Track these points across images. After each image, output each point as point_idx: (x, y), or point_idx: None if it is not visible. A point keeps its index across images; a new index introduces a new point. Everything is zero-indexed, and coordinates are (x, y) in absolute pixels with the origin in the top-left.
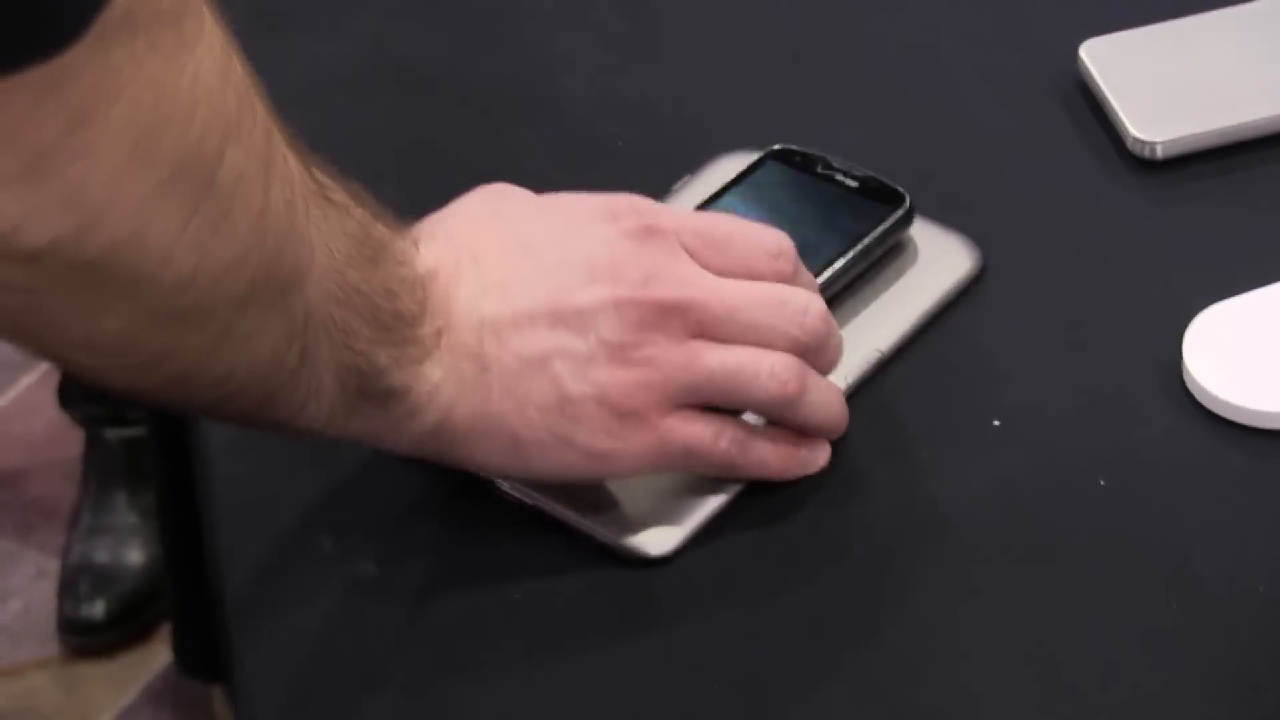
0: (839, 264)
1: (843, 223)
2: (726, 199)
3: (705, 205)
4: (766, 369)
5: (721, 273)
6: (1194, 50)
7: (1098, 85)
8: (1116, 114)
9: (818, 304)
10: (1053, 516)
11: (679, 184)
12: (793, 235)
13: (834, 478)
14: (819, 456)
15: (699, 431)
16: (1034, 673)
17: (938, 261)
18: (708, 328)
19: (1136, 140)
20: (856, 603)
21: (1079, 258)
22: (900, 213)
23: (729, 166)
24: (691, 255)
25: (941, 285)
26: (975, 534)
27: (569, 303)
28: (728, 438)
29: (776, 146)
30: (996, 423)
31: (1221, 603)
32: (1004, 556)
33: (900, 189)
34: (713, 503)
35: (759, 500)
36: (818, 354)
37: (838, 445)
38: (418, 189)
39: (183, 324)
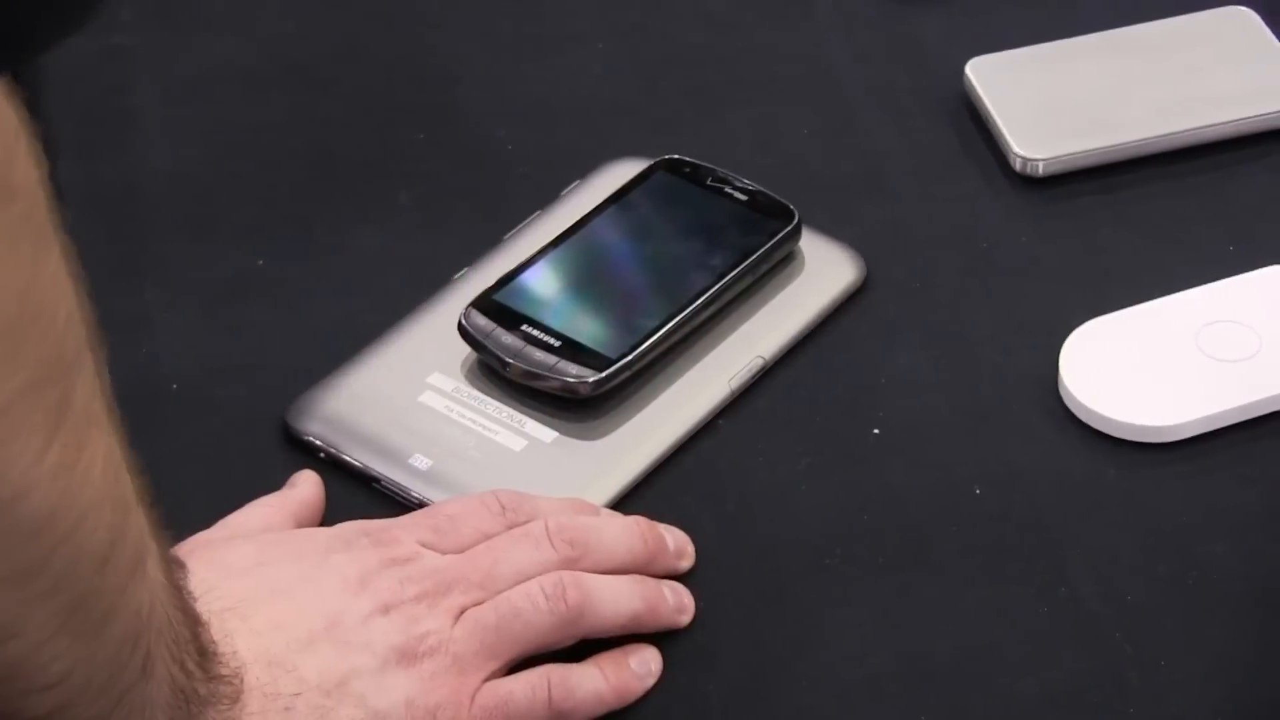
0: (726, 279)
1: (731, 236)
2: (614, 209)
3: (593, 215)
4: (537, 593)
5: (464, 550)
6: (1078, 71)
7: (983, 103)
8: (1000, 131)
9: (559, 519)
10: (929, 525)
11: (567, 190)
12: (681, 247)
13: (713, 482)
14: (650, 662)
15: (511, 691)
16: (906, 682)
17: (823, 272)
18: (474, 597)
19: (1020, 157)
20: (731, 609)
21: (961, 271)
22: (788, 228)
23: (618, 174)
24: (432, 549)
25: (825, 295)
26: (852, 542)
27: (343, 624)
28: (546, 683)
29: (667, 156)
30: (876, 431)
31: (1094, 613)
32: (879, 564)
33: (789, 205)
34: None
35: (635, 507)
36: (586, 557)
37: (717, 451)
38: (311, 190)
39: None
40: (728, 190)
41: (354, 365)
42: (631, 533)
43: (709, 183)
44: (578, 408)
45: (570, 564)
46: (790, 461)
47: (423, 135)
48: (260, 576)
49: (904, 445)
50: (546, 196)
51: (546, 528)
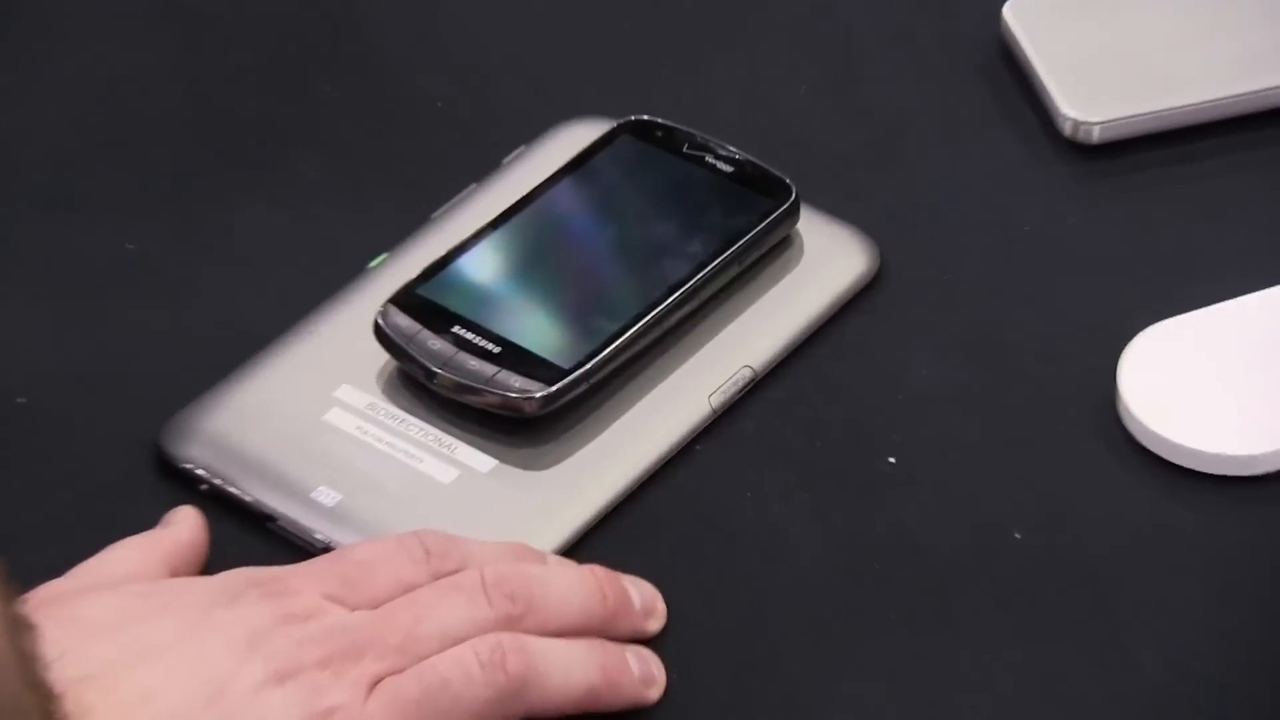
0: (707, 270)
1: (713, 217)
2: (567, 182)
3: (542, 190)
4: (470, 660)
5: (379, 604)
6: (1140, 14)
7: (1024, 54)
8: (1045, 88)
9: (497, 568)
10: (954, 575)
11: (510, 157)
12: (650, 230)
13: (689, 522)
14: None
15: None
16: None
17: (826, 262)
18: (392, 663)
19: (1069, 120)
20: (710, 680)
21: (996, 261)
22: (784, 207)
23: (572, 138)
24: (339, 603)
25: (829, 291)
26: (858, 596)
27: (229, 695)
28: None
29: (632, 117)
30: (892, 460)
31: (1158, 687)
32: (891, 624)
33: (785, 178)
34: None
35: (593, 553)
36: (530, 616)
37: (695, 484)
38: (192, 156)
39: None
40: (709, 160)
41: (244, 375)
42: (587, 586)
43: (685, 150)
44: (522, 429)
45: (511, 624)
46: (784, 497)
47: (330, 89)
48: (126, 637)
49: (924, 476)
50: (484, 166)
51: (482, 579)
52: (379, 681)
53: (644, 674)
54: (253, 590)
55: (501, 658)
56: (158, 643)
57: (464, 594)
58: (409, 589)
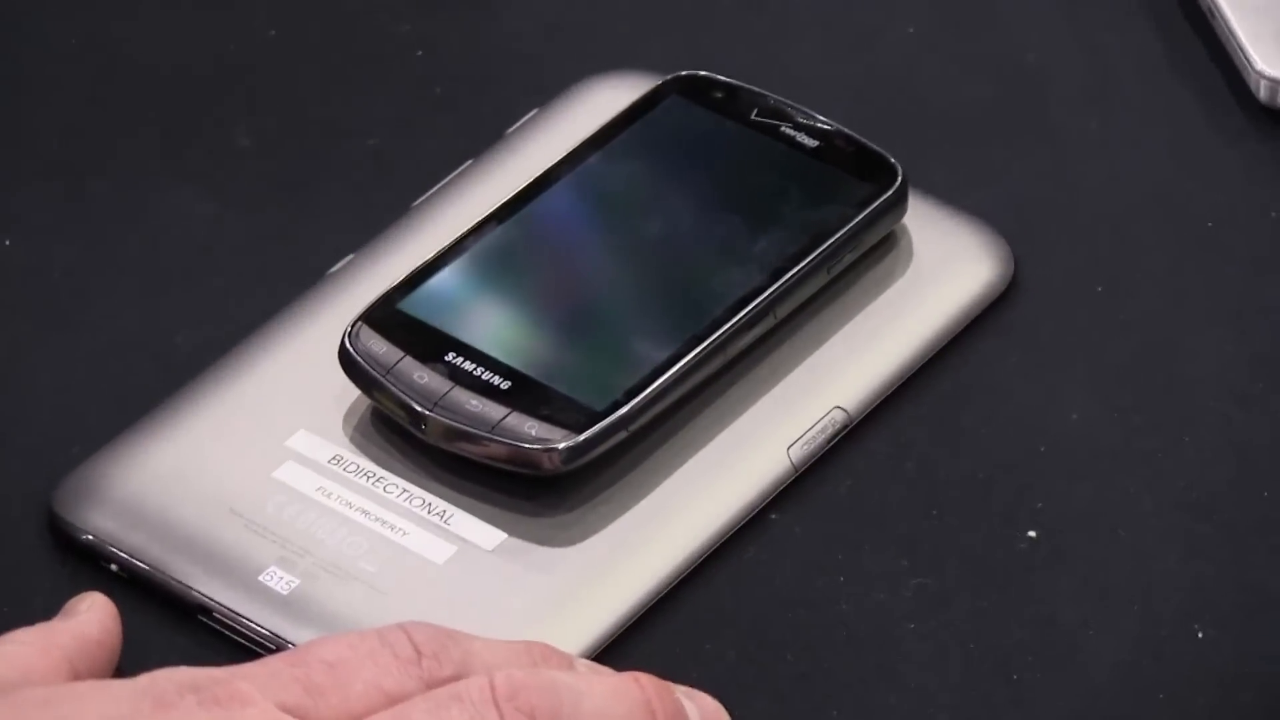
0: (785, 280)
1: (792, 208)
2: (595, 160)
3: (561, 170)
4: None
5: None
6: None
7: None
8: (1234, 37)
9: (510, 676)
10: (1122, 694)
11: (517, 125)
12: (709, 226)
13: (770, 619)
14: None
15: None
16: None
17: (942, 268)
18: None
19: (1265, 79)
20: None
21: (1168, 267)
22: (887, 195)
23: (600, 100)
24: (301, 717)
25: (946, 307)
26: (990, 715)
27: None
28: None
29: (683, 73)
30: (1032, 534)
31: None
32: None
33: (888, 155)
34: None
35: (633, 658)
36: None
37: (768, 566)
38: (92, 125)
39: None
40: (785, 130)
41: (165, 418)
42: (629, 699)
43: (754, 117)
44: (540, 492)
45: None
46: (890, 583)
47: (275, 33)
48: None
49: (1076, 556)
50: (483, 138)
51: (492, 688)
52: None
53: None
54: (188, 698)
55: None
56: None
57: (469, 710)
58: (394, 702)
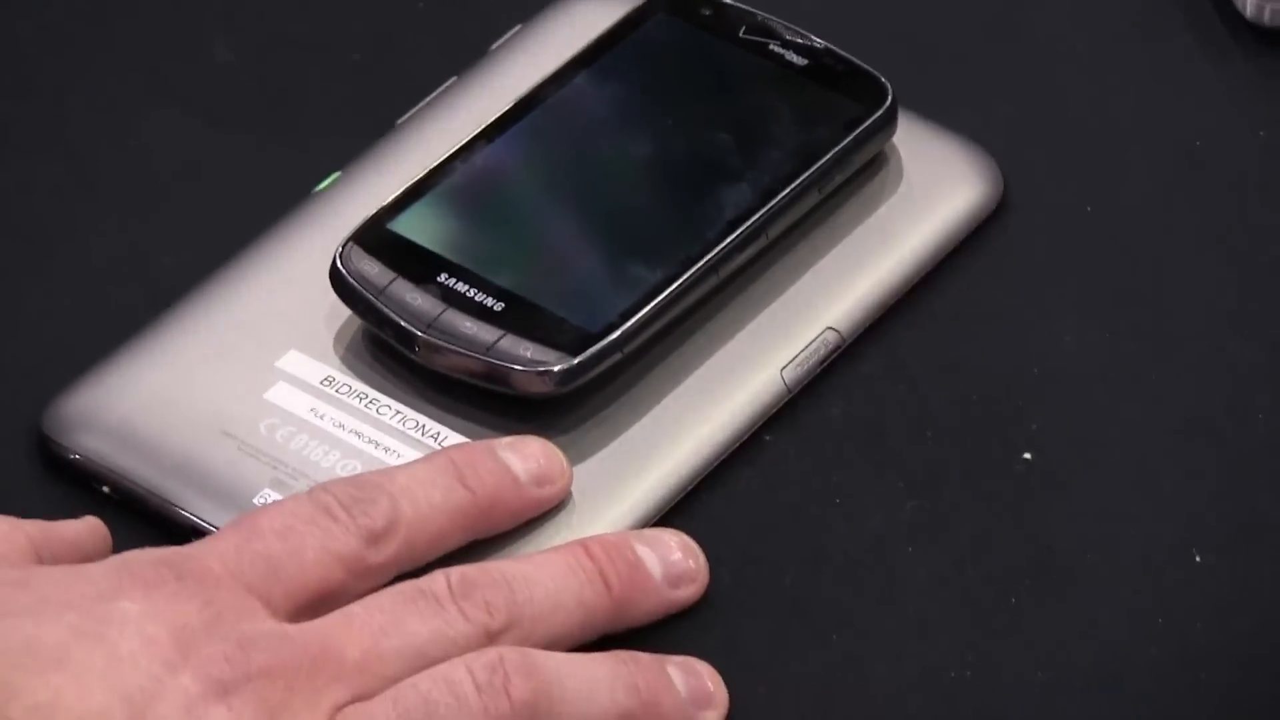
0: (775, 201)
1: (784, 125)
2: (583, 77)
3: (549, 87)
4: (464, 682)
5: (317, 593)
6: None
7: None
8: None
9: (462, 574)
10: (1118, 615)
11: (501, 40)
12: (699, 146)
13: (764, 542)
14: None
15: None
16: None
17: (932, 188)
18: (354, 685)
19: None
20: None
21: (1157, 187)
22: (877, 114)
23: (585, 17)
24: (263, 599)
25: (936, 227)
26: (991, 644)
27: (155, 711)
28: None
29: None
30: (1027, 456)
31: None
32: (1043, 688)
33: (877, 74)
34: None
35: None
36: (512, 630)
37: (762, 486)
38: (82, 38)
39: None
40: (774, 49)
41: (153, 339)
42: (581, 571)
43: (743, 35)
44: (534, 415)
45: (490, 641)
46: (885, 505)
47: None
48: (4, 634)
49: (1070, 478)
50: (465, 53)
51: (448, 584)
52: (341, 710)
53: (694, 693)
54: (165, 573)
55: (504, 680)
56: (50, 642)
57: (430, 601)
58: (342, 564)
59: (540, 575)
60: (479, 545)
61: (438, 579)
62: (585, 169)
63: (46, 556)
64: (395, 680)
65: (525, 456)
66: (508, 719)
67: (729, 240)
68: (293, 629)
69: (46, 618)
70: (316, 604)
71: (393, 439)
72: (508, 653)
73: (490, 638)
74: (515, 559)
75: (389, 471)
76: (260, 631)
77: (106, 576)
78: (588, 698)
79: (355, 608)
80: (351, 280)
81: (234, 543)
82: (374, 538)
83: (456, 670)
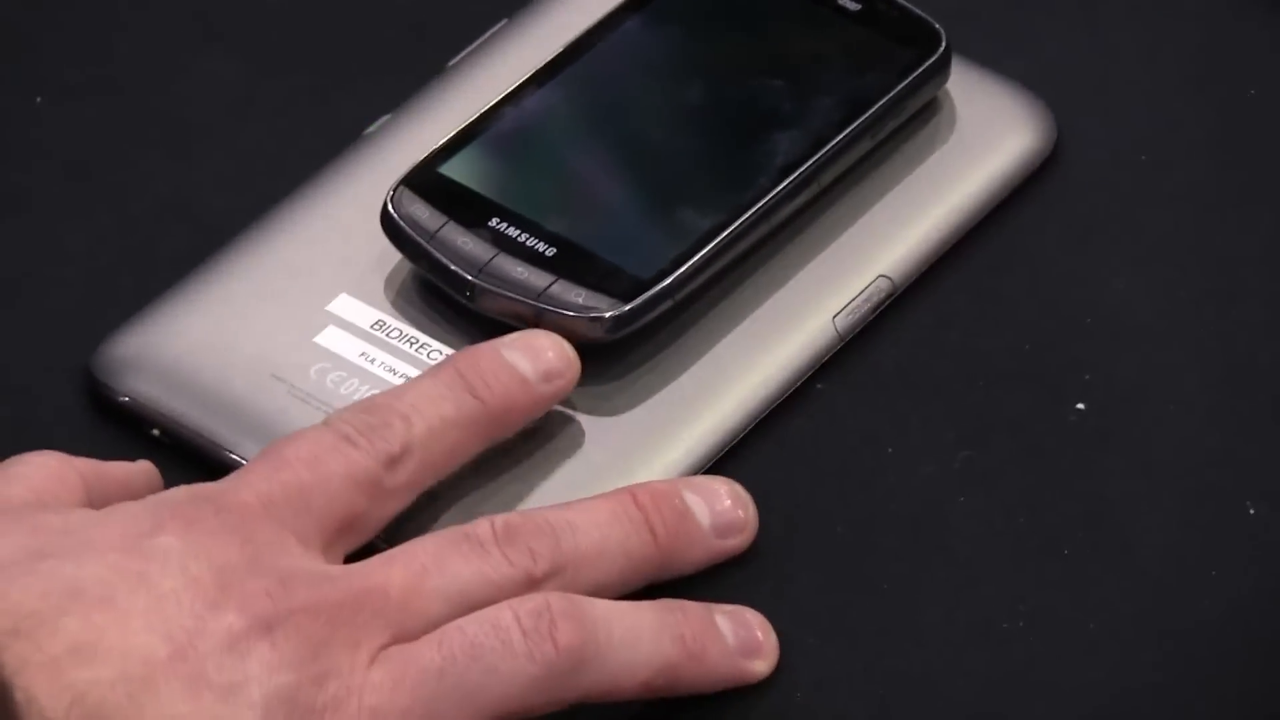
0: (828, 147)
1: (835, 74)
2: (634, 22)
3: (600, 31)
4: (512, 627)
5: (345, 522)
6: None
7: None
8: None
9: (506, 520)
10: (1173, 569)
11: None
12: (749, 91)
13: (815, 490)
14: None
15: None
16: None
17: (985, 135)
18: (394, 624)
19: None
20: (854, 691)
21: (1213, 135)
22: (931, 60)
23: None
24: (298, 534)
25: (990, 174)
26: (1043, 595)
27: (199, 651)
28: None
29: None
30: (1080, 406)
31: None
32: (1097, 638)
33: (930, 20)
34: None
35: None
36: (555, 577)
37: (820, 435)
38: None
39: None
40: None
41: (203, 282)
42: (626, 520)
43: None
44: (584, 360)
45: (532, 587)
46: (936, 455)
47: None
48: (46, 575)
49: (1124, 430)
50: (485, 11)
51: (492, 529)
52: (384, 650)
53: (743, 642)
54: (205, 509)
55: (550, 625)
56: (93, 582)
57: (474, 545)
58: (364, 490)
59: (586, 522)
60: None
61: (481, 524)
62: (637, 115)
63: (97, 495)
64: (437, 622)
65: (532, 353)
66: (553, 664)
67: (781, 187)
68: (334, 568)
69: (88, 559)
70: (344, 531)
71: None
72: (554, 598)
73: (534, 583)
74: (561, 506)
75: (398, 391)
76: (301, 568)
77: (146, 514)
78: (633, 645)
79: (397, 550)
80: (402, 224)
81: (264, 474)
82: (391, 461)
83: (503, 614)
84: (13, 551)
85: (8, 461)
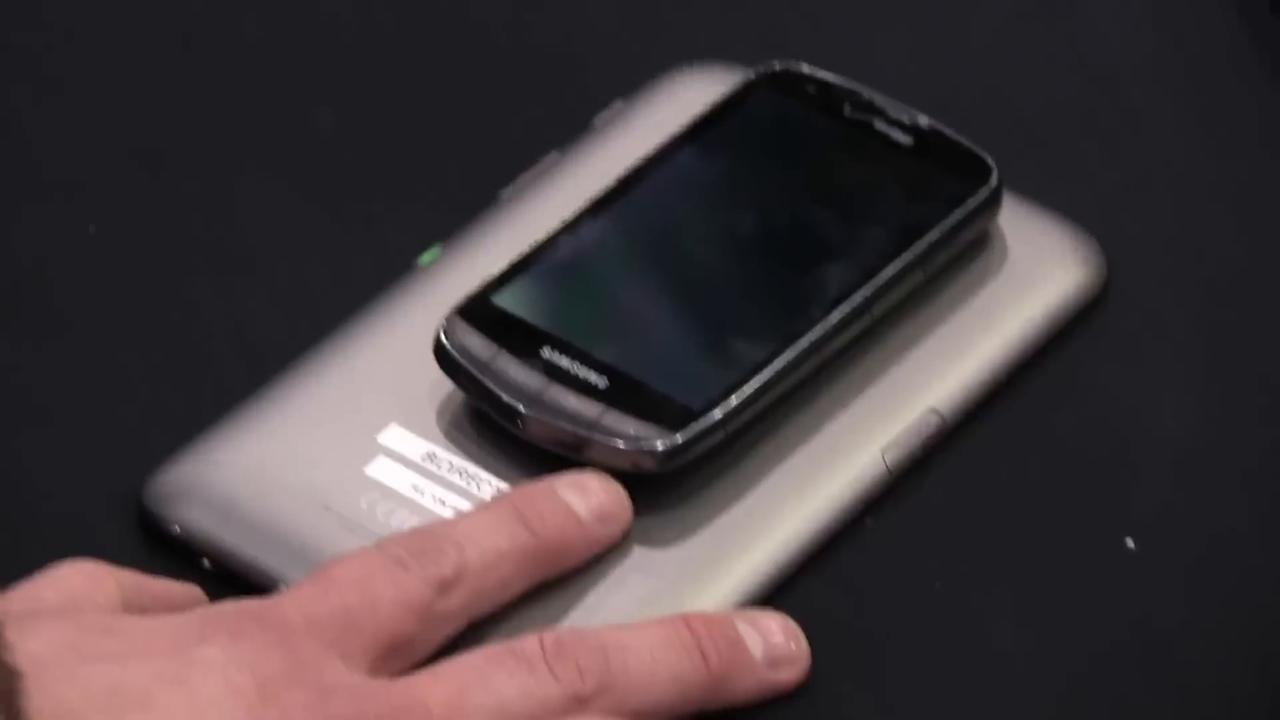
0: (878, 279)
1: (889, 203)
2: (687, 153)
3: (652, 163)
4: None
5: (391, 644)
6: None
7: None
8: None
9: (557, 635)
10: (1228, 708)
11: (604, 114)
12: (804, 224)
13: (863, 625)
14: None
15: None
16: None
17: (1035, 268)
18: None
19: None
20: None
21: (1266, 263)
22: (983, 195)
23: (688, 91)
24: (342, 653)
25: (1040, 308)
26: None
27: None
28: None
29: (776, 65)
30: (1130, 542)
31: None
32: None
33: (982, 153)
34: None
35: None
36: (603, 695)
37: (869, 571)
38: (186, 110)
39: None
40: (879, 126)
41: (255, 412)
42: (679, 645)
43: (847, 113)
44: (636, 491)
45: (580, 705)
46: (985, 590)
47: (351, 16)
48: (90, 678)
49: (1176, 564)
50: (569, 127)
51: (541, 645)
52: None
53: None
54: (249, 623)
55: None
56: (134, 687)
57: (520, 661)
58: (413, 614)
59: (637, 643)
60: (568, 619)
61: (530, 640)
62: (689, 245)
63: (134, 607)
64: None
65: (586, 493)
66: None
67: (832, 318)
68: (376, 682)
69: (131, 663)
70: (391, 654)
71: None
72: None
73: (580, 702)
74: (613, 625)
75: (453, 521)
76: (343, 683)
77: (191, 625)
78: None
79: (442, 664)
80: (455, 354)
81: (312, 594)
82: (444, 586)
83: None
84: (57, 650)
85: (47, 567)
